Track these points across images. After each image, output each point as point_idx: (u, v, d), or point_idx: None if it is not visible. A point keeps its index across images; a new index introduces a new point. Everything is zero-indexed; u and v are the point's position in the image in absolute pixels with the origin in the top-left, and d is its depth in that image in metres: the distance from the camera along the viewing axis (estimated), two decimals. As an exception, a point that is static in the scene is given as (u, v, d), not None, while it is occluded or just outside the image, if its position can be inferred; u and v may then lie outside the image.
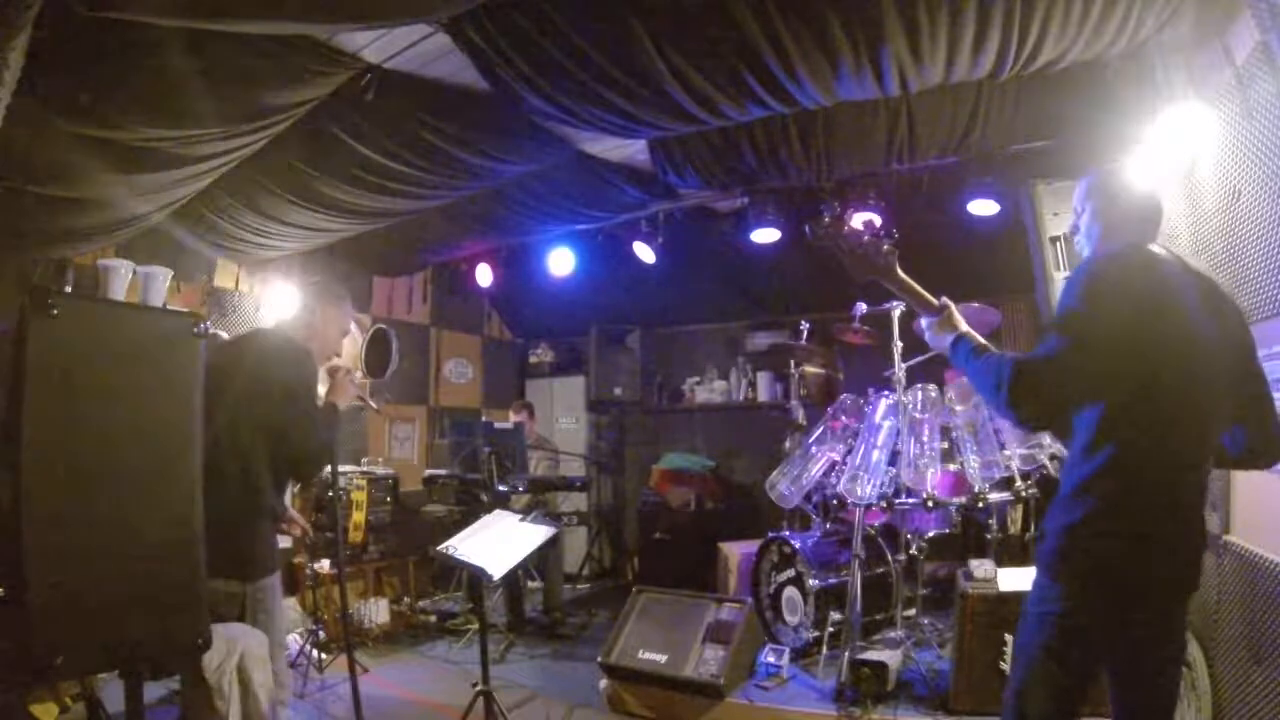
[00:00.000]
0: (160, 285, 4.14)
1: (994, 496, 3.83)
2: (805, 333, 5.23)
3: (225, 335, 4.52)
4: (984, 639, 3.26)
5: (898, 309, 3.99)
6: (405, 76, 3.30)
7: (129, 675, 1.61)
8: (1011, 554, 4.12)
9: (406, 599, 5.52)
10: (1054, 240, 3.72)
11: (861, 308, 4.31)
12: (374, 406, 3.29)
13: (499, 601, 5.46)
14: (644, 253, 5.56)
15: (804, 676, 3.84)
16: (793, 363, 5.30)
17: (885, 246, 1.89)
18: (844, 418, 4.45)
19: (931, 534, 4.16)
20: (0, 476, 1.44)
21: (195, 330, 1.73)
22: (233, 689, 2.17)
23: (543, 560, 5.14)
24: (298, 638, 4.51)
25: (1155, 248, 1.81)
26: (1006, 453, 3.86)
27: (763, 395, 6.69)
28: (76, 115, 2.69)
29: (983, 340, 1.82)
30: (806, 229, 1.94)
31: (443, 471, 6.12)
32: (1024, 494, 3.86)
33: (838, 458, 4.39)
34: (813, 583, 4.02)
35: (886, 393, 4.16)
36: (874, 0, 2.62)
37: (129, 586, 1.55)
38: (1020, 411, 1.64)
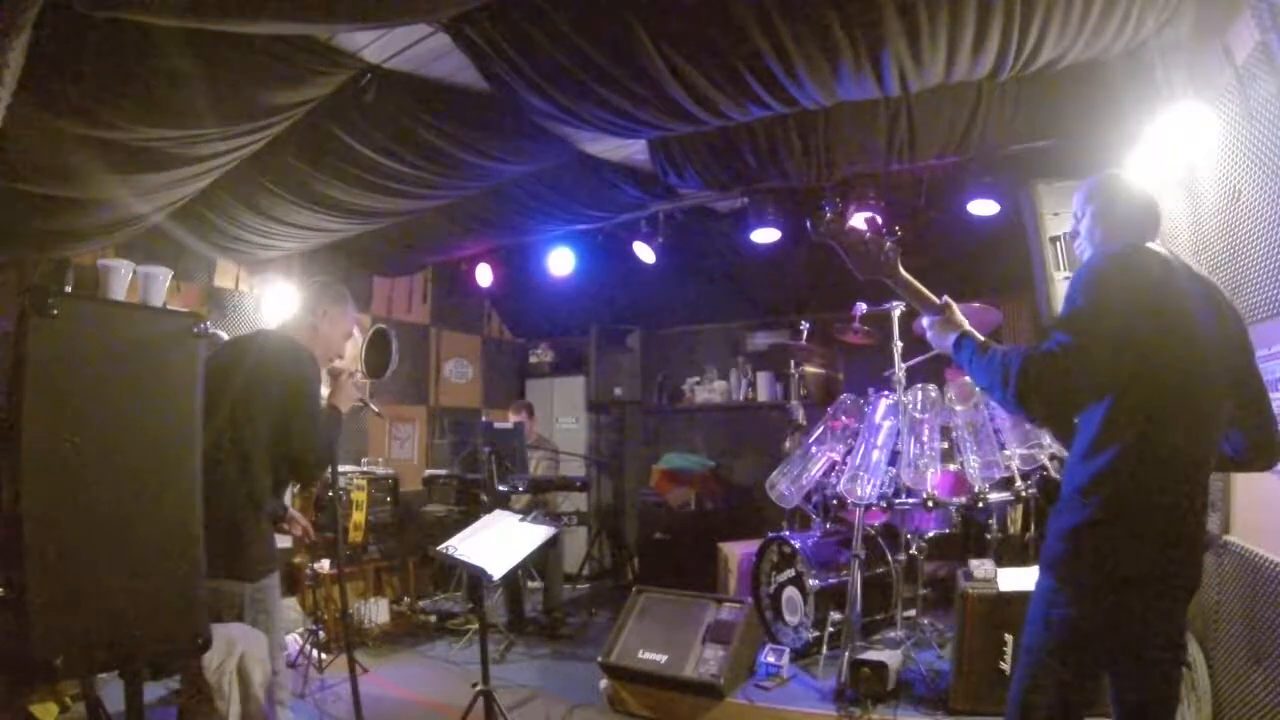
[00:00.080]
0: (160, 285, 4.10)
1: (994, 496, 3.83)
2: (805, 333, 5.23)
3: (225, 335, 4.52)
4: (984, 639, 3.25)
5: (898, 309, 3.99)
6: (405, 76, 3.30)
7: (129, 675, 1.61)
8: (1011, 554, 4.11)
9: (406, 599, 5.52)
10: (1054, 240, 3.72)
11: (861, 308, 4.31)
12: (375, 410, 3.30)
13: (499, 601, 5.46)
14: (644, 253, 5.56)
15: (804, 676, 3.84)
16: (793, 363, 5.30)
17: (888, 244, 1.87)
18: (844, 418, 4.45)
19: (931, 534, 4.16)
20: (0, 476, 1.44)
21: (195, 330, 1.73)
22: (233, 689, 2.17)
23: (543, 560, 5.13)
24: (298, 638, 4.51)
25: (1157, 247, 1.81)
26: (1006, 453, 3.86)
27: (763, 395, 6.69)
28: (77, 115, 2.69)
29: (984, 338, 1.81)
30: (808, 225, 1.92)
31: (443, 471, 6.14)
32: (1024, 494, 3.85)
33: (838, 458, 4.39)
34: (813, 583, 4.01)
35: (886, 393, 4.16)
36: (874, 0, 2.62)
37: (129, 587, 1.55)
38: (1028, 404, 1.62)
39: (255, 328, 4.78)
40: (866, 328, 4.50)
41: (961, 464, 3.98)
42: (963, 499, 3.90)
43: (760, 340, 6.85)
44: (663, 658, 3.74)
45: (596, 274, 6.27)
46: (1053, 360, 1.59)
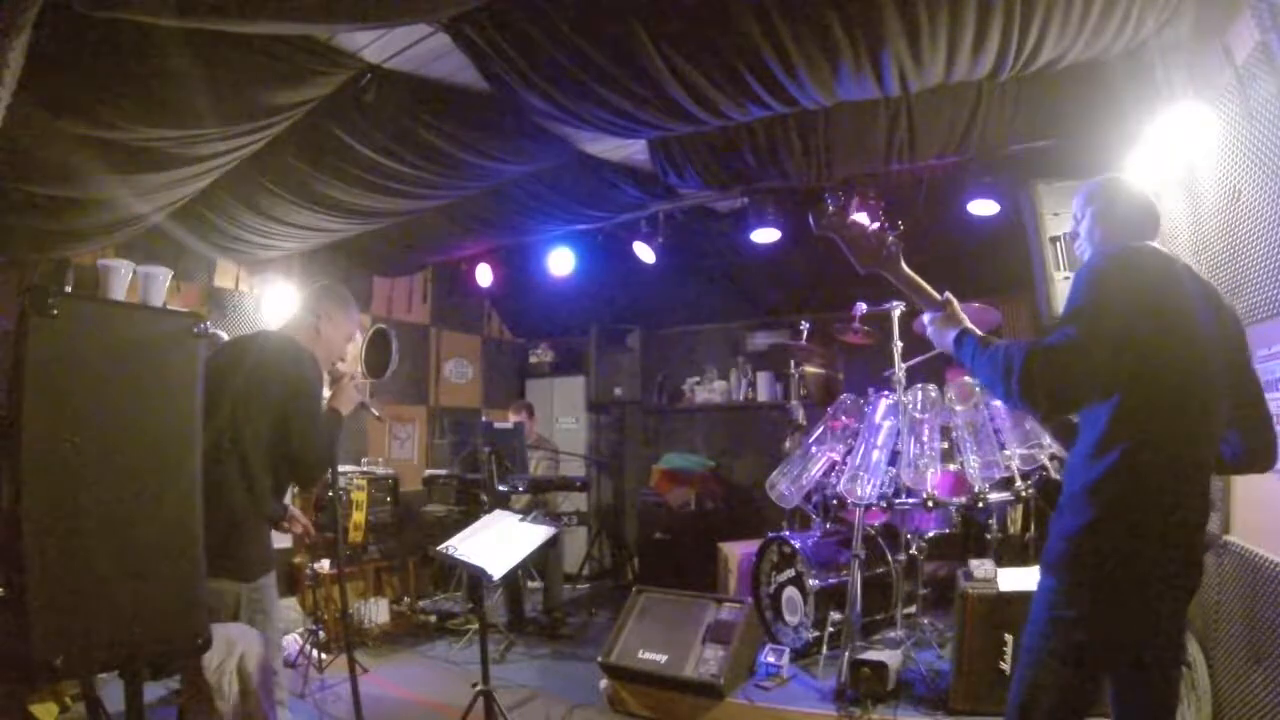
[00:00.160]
0: (160, 285, 4.12)
1: (994, 496, 3.83)
2: (805, 333, 5.23)
3: (225, 335, 4.52)
4: (984, 639, 3.25)
5: (898, 309, 3.99)
6: (405, 76, 3.30)
7: (129, 675, 1.61)
8: (1011, 554, 4.11)
9: (406, 599, 5.53)
10: (1054, 240, 3.72)
11: (861, 307, 4.31)
12: (375, 413, 3.30)
13: (499, 601, 5.46)
14: (644, 253, 5.56)
15: (804, 676, 3.84)
16: (793, 363, 5.30)
17: (890, 237, 1.86)
18: (844, 418, 4.45)
19: (931, 534, 4.16)
20: (0, 476, 1.44)
21: (195, 330, 1.73)
22: (233, 689, 2.17)
23: (543, 560, 5.13)
24: (298, 638, 4.51)
25: (1159, 246, 1.81)
26: (1006, 453, 3.86)
27: (763, 395, 6.69)
28: (77, 115, 2.69)
29: (985, 334, 1.81)
30: (810, 218, 1.90)
31: (443, 471, 6.14)
32: (1024, 494, 3.85)
33: (838, 458, 4.40)
34: (813, 583, 4.02)
35: (886, 393, 4.16)
36: (874, 0, 2.62)
37: (129, 587, 1.55)
38: (1032, 397, 1.60)
39: (255, 328, 4.79)
40: (866, 328, 4.50)
41: (961, 464, 3.98)
42: (963, 499, 3.90)
43: (760, 340, 6.86)
44: (663, 658, 3.74)
45: (596, 274, 6.27)
46: (1057, 353, 1.58)
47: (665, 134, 3.81)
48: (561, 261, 6.01)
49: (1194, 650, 2.82)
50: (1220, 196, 2.75)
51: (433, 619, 5.43)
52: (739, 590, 4.76)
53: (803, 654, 4.01)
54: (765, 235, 4.96)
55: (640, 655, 3.81)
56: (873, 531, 4.20)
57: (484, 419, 6.74)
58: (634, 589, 4.29)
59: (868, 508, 3.93)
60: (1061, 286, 3.68)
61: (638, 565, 6.54)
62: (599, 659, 3.90)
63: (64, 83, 2.53)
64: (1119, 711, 1.76)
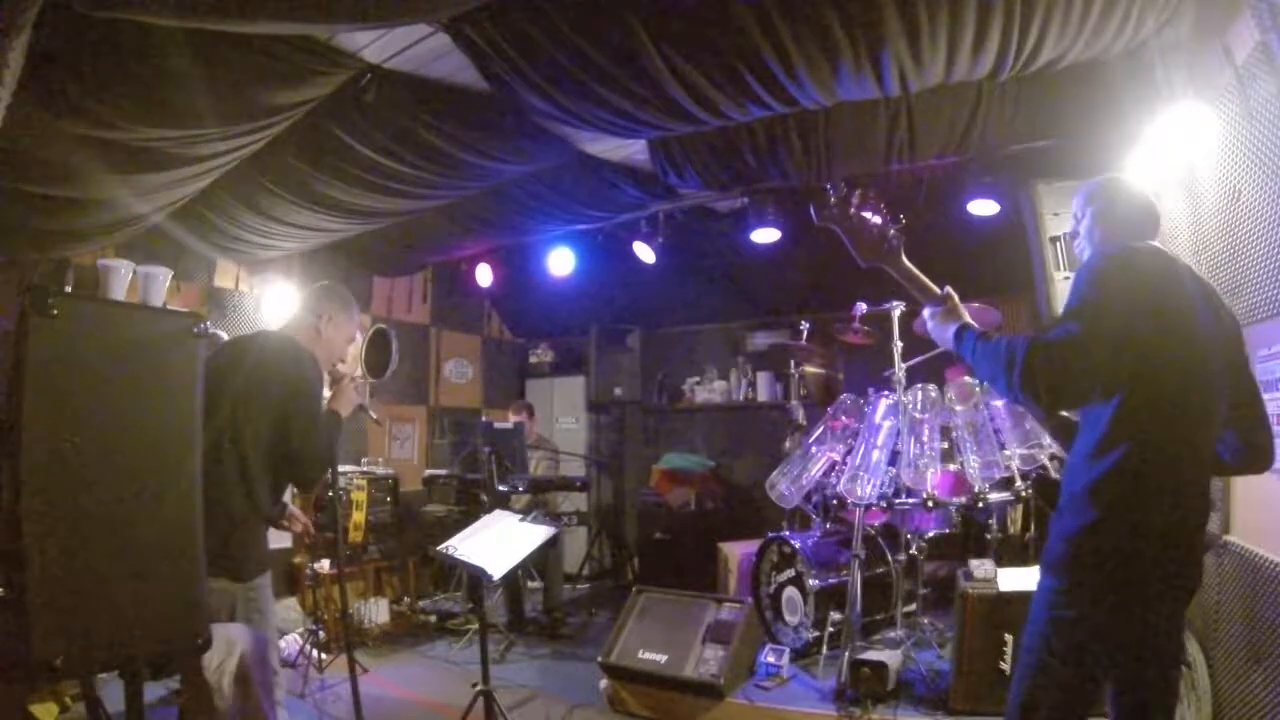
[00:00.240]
0: (160, 285, 4.13)
1: (994, 496, 3.83)
2: (805, 333, 5.23)
3: (225, 335, 4.52)
4: (984, 639, 3.25)
5: (898, 309, 3.99)
6: (405, 76, 3.30)
7: (129, 675, 1.61)
8: (1011, 554, 4.11)
9: (406, 599, 5.53)
10: (1054, 240, 3.73)
11: (861, 307, 4.31)
12: (373, 416, 3.31)
13: (499, 601, 5.46)
14: (644, 253, 5.56)
15: (804, 676, 3.84)
16: (793, 363, 5.30)
17: (892, 230, 1.85)
18: (844, 418, 4.45)
19: (931, 534, 4.16)
20: (0, 476, 1.44)
21: (195, 330, 1.73)
22: (233, 689, 2.17)
23: (543, 560, 5.13)
24: (298, 638, 4.51)
25: (1159, 246, 1.82)
26: (1006, 453, 3.86)
27: (763, 395, 6.69)
28: (77, 115, 2.69)
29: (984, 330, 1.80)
30: (811, 209, 1.89)
31: (443, 471, 6.14)
32: (1024, 494, 3.85)
33: (838, 458, 4.40)
34: (813, 583, 4.02)
35: (886, 393, 4.16)
36: (874, 0, 2.62)
37: (129, 587, 1.55)
38: (1034, 390, 1.59)
39: (255, 328, 4.79)
40: (866, 328, 4.50)
41: (961, 464, 3.98)
42: (963, 499, 3.91)
43: (760, 340, 6.85)
44: (663, 658, 3.74)
45: (596, 274, 6.27)
46: (1058, 348, 1.58)
47: (665, 134, 3.81)
48: (561, 261, 6.02)
49: (1194, 650, 2.82)
50: (1220, 196, 2.75)
51: (433, 619, 5.43)
52: (739, 590, 4.76)
53: (803, 654, 4.01)
54: (765, 235, 4.96)
55: (640, 655, 3.81)
56: (873, 531, 4.20)
57: (484, 419, 6.75)
58: (634, 589, 4.29)
59: (868, 508, 3.93)
60: (1061, 286, 3.69)
61: (638, 565, 6.54)
62: (599, 659, 3.90)
63: (64, 83, 2.53)
64: (1119, 711, 1.76)
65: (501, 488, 5.04)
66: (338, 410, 2.64)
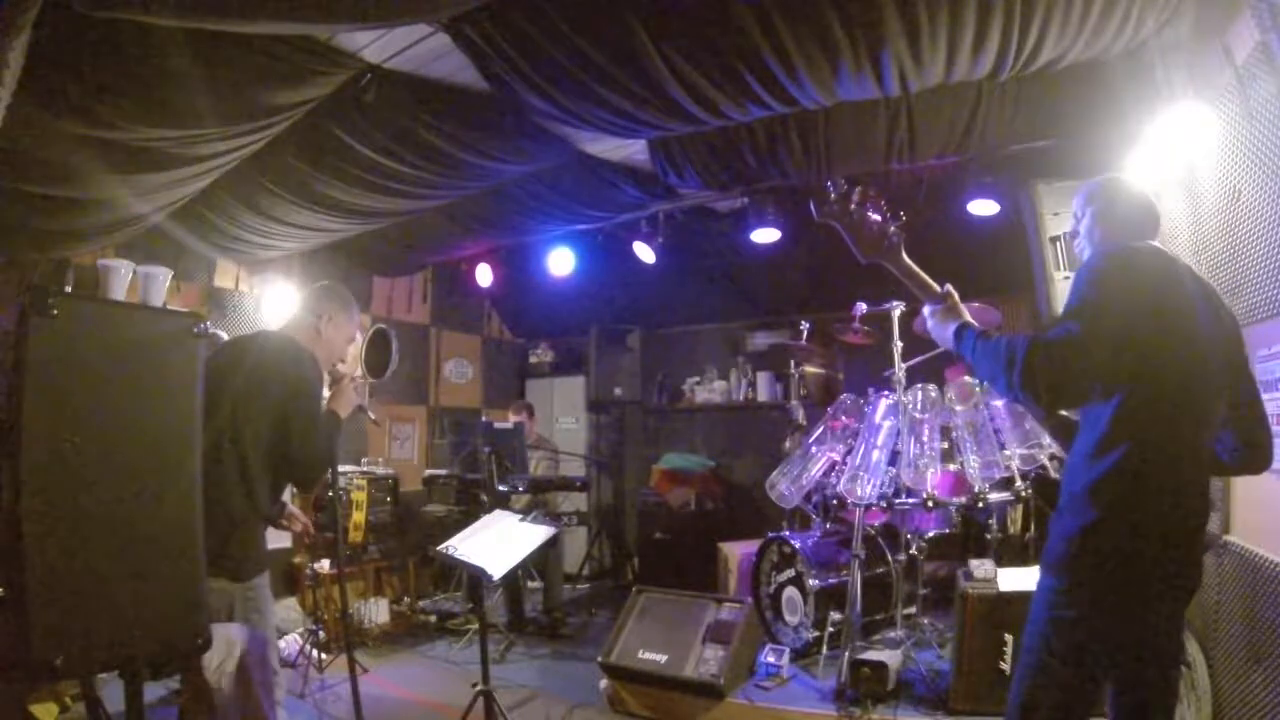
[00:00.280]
0: (160, 285, 4.14)
1: (994, 496, 3.83)
2: (805, 333, 5.23)
3: (225, 335, 4.52)
4: (984, 639, 3.25)
5: (898, 309, 3.99)
6: (405, 76, 3.30)
7: (129, 675, 1.61)
8: (1011, 554, 4.11)
9: (406, 599, 5.53)
10: (1054, 240, 3.73)
11: (861, 308, 4.31)
12: (372, 417, 3.31)
13: (499, 601, 5.46)
14: (644, 253, 5.56)
15: (804, 676, 3.84)
16: (793, 363, 5.30)
17: (892, 227, 1.85)
18: (844, 418, 4.45)
19: (931, 534, 4.16)
20: (0, 476, 1.44)
21: (195, 330, 1.73)
22: (233, 689, 2.17)
23: (543, 560, 5.13)
24: (298, 638, 4.51)
25: (1159, 245, 1.82)
26: (1006, 453, 3.86)
27: (763, 395, 6.69)
28: (77, 115, 2.69)
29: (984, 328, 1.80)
30: (812, 205, 1.89)
31: (443, 471, 6.14)
32: (1024, 494, 3.85)
33: (838, 458, 4.40)
34: (813, 583, 4.02)
35: (886, 393, 4.16)
36: (874, 0, 2.62)
37: (129, 587, 1.55)
38: (1034, 388, 1.59)
39: (255, 328, 4.79)
40: (866, 328, 4.50)
41: (961, 464, 3.98)
42: (963, 499, 3.91)
43: (760, 340, 6.85)
44: (663, 658, 3.74)
45: (596, 274, 6.27)
46: (1058, 347, 1.58)
47: (665, 134, 3.81)
48: (561, 261, 6.02)
49: (1194, 650, 2.82)
50: (1220, 196, 2.75)
51: (433, 619, 5.43)
52: (739, 590, 4.77)
53: (803, 654, 4.01)
54: (765, 235, 4.96)
55: (640, 655, 3.81)
56: (873, 531, 4.20)
57: (484, 419, 6.74)
58: (634, 589, 4.29)
59: (868, 508, 3.93)
60: (1061, 286, 3.69)
61: (638, 565, 6.54)
62: (599, 659, 3.90)
63: (64, 83, 2.53)
64: (1118, 712, 1.76)
65: (501, 488, 5.04)
66: (336, 411, 2.64)
